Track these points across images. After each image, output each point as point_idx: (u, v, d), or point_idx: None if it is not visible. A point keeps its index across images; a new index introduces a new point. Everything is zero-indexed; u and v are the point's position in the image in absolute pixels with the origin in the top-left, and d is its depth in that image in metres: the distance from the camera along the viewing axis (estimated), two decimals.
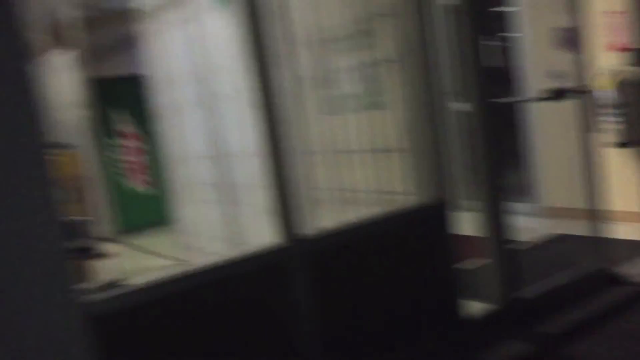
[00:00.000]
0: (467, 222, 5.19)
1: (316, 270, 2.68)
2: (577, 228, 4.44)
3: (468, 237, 3.80)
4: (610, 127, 4.79)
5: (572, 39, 3.82)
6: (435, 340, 3.05)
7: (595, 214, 3.79)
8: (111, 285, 2.19)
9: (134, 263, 5.45)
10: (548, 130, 5.34)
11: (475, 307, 3.29)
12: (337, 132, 3.61)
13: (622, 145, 4.77)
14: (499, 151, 3.31)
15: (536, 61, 5.36)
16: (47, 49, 5.82)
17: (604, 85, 4.79)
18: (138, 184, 7.56)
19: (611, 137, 4.80)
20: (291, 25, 3.52)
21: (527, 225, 5.44)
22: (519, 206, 5.62)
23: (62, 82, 6.84)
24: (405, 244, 3.03)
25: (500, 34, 5.87)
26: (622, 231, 4.27)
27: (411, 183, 3.24)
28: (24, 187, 1.87)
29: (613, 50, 4.82)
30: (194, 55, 4.39)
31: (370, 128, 3.45)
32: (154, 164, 7.46)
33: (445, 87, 6.11)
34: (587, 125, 3.75)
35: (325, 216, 3.71)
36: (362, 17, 3.30)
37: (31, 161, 1.90)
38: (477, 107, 3.22)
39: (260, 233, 4.07)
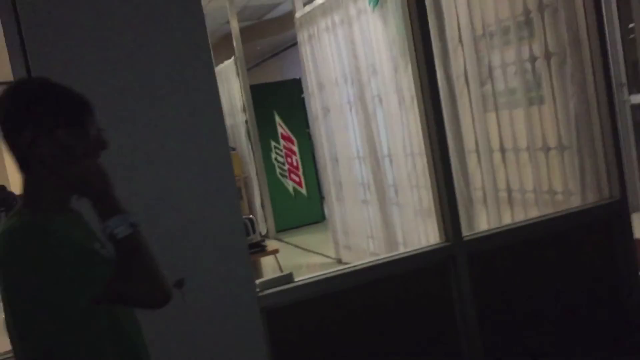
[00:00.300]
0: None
1: (478, 272, 2.60)
2: None
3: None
4: None
5: None
6: (610, 353, 2.83)
7: None
8: (280, 280, 2.29)
9: (293, 260, 5.66)
10: None
11: None
12: (498, 129, 3.48)
13: None
14: None
15: None
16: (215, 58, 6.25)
17: None
18: (294, 184, 7.85)
19: None
20: (447, 22, 3.46)
21: None
22: None
23: (227, 88, 7.31)
24: (575, 247, 2.84)
25: None
26: None
27: (578, 182, 3.03)
28: (216, 187, 2.03)
29: None
30: (348, 58, 4.47)
31: (532, 125, 3.28)
32: (307, 166, 7.72)
33: (619, 78, 5.68)
34: None
35: (485, 217, 3.60)
36: (523, 8, 3.15)
37: (221, 163, 2.05)
38: None
39: (414, 233, 4.06)
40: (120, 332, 1.25)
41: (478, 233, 2.77)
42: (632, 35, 4.82)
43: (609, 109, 2.84)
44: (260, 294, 2.20)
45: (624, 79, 5.50)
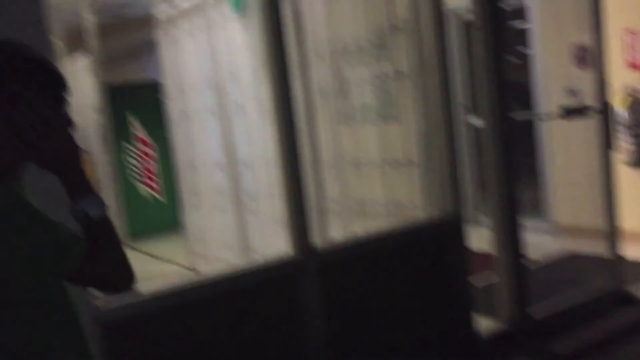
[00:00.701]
0: (479, 238, 5.16)
1: (327, 283, 2.66)
2: (590, 247, 4.40)
3: (480, 252, 3.77)
4: (624, 146, 4.75)
5: (590, 56, 3.80)
6: (446, 356, 3.02)
7: (609, 233, 3.75)
8: None
9: (142, 268, 5.44)
10: (563, 147, 5.31)
11: (485, 325, 3.25)
12: (351, 143, 3.60)
13: (635, 164, 4.74)
14: (513, 167, 3.28)
15: (554, 78, 5.34)
16: (64, 53, 5.85)
17: (619, 103, 4.76)
18: (149, 190, 7.58)
19: (625, 156, 4.76)
20: (307, 36, 3.52)
21: (540, 243, 5.40)
22: (532, 223, 5.58)
23: (79, 87, 6.88)
24: (418, 258, 3.00)
25: (519, 50, 5.85)
26: (636, 251, 4.22)
27: (424, 197, 3.22)
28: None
29: (631, 68, 4.79)
30: (210, 63, 4.40)
31: (384, 140, 3.44)
32: (165, 171, 7.48)
33: (462, 101, 6.13)
34: (604, 144, 3.72)
35: (337, 228, 3.69)
36: (377, 30, 3.29)
37: None
38: (493, 123, 3.19)
39: (271, 243, 4.07)
40: (70, 312, 1.16)
41: (329, 244, 2.83)
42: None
43: (447, 130, 3.04)
44: (97, 305, 2.07)
45: (466, 102, 5.97)
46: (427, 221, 3.11)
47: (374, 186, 3.53)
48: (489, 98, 3.19)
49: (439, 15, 2.98)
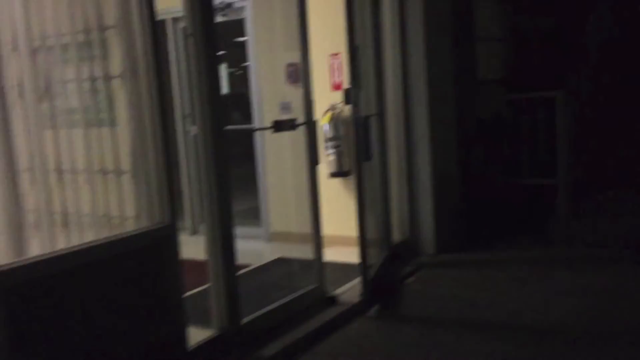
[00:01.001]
0: (196, 247, 5.14)
1: (16, 307, 2.35)
2: (299, 251, 4.73)
3: (198, 262, 3.75)
4: (327, 158, 5.23)
5: (299, 74, 4.08)
6: None
7: (314, 238, 4.06)
8: None
9: None
10: (277, 158, 5.63)
11: (197, 334, 3.23)
12: (57, 149, 3.28)
13: (336, 175, 5.25)
14: (228, 176, 3.33)
15: (270, 92, 5.63)
16: None
17: (325, 119, 5.23)
18: None
19: (328, 167, 5.24)
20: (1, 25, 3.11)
21: (255, 249, 5.63)
22: (250, 230, 5.79)
23: None
24: (128, 271, 2.85)
25: (243, 63, 6.05)
26: (338, 254, 4.66)
27: (136, 207, 3.08)
28: None
29: (334, 88, 5.30)
30: None
31: (93, 147, 3.20)
32: None
33: (182, 109, 6.08)
34: (310, 156, 4.02)
35: (38, 243, 3.33)
36: (85, 27, 3.06)
37: None
38: (210, 132, 3.21)
39: None
40: None
41: (20, 261, 2.51)
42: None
43: (162, 138, 2.96)
44: None
45: (187, 111, 5.96)
46: (138, 232, 2.97)
47: (81, 196, 3.27)
48: (203, 108, 3.20)
49: (151, 17, 2.88)
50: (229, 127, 3.89)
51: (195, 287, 3.96)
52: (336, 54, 5.22)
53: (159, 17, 3.15)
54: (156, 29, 2.93)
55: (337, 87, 5.28)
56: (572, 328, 3.65)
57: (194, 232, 6.07)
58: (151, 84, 2.94)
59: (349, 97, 4.22)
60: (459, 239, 5.36)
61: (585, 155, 4.81)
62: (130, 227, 3.08)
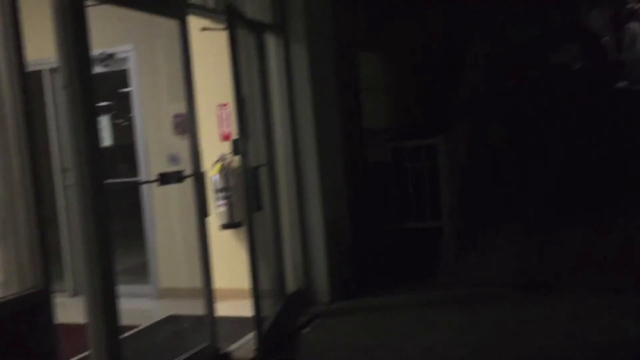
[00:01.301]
0: (77, 309, 4.80)
1: None
2: (190, 307, 4.55)
3: (79, 325, 3.50)
4: (218, 209, 5.14)
5: (187, 125, 4.00)
6: None
7: (205, 293, 3.92)
8: None
9: None
10: (165, 211, 5.44)
11: None
12: None
13: (227, 226, 5.17)
14: (109, 232, 3.16)
15: (157, 143, 5.49)
16: None
17: (214, 170, 5.16)
18: None
19: (219, 219, 5.14)
20: None
21: (144, 308, 5.36)
22: (135, 288, 5.52)
23: None
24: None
25: (129, 114, 5.86)
26: (232, 308, 4.53)
27: (5, 271, 2.82)
28: None
29: (223, 138, 5.26)
30: None
31: None
32: None
33: (61, 163, 5.77)
34: (199, 208, 3.91)
35: None
36: None
37: None
38: (89, 186, 3.03)
39: None
40: None
41: None
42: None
43: (33, 194, 2.76)
44: None
45: (67, 165, 5.67)
46: (5, 300, 2.71)
47: None
48: (80, 160, 3.04)
49: (20, 67, 2.72)
50: (113, 180, 3.73)
51: (77, 354, 3.68)
52: (224, 104, 5.20)
53: (35, 68, 2.99)
54: (26, 79, 2.77)
55: (226, 137, 5.25)
56: None
57: (76, 293, 5.68)
58: (21, 137, 2.74)
59: (238, 147, 4.19)
60: (353, 286, 5.40)
61: (467, 198, 5.06)
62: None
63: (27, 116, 2.75)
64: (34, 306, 2.74)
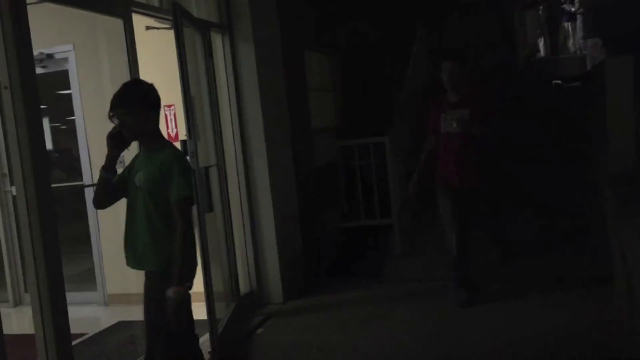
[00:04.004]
0: (19, 319, 4.65)
1: None
2: (141, 313, 4.45)
3: (22, 336, 3.37)
4: None
5: None
6: None
7: None
8: None
9: None
10: (113, 215, 5.29)
11: None
12: None
13: None
14: (56, 238, 3.05)
15: (101, 146, 5.32)
16: None
17: None
18: None
19: None
20: None
21: (91, 315, 5.21)
22: (81, 295, 5.35)
23: None
24: None
25: (68, 117, 5.68)
26: None
27: None
28: None
29: (170, 139, 5.16)
30: None
31: None
32: None
33: (1, 168, 5.54)
34: None
35: None
36: None
37: None
38: (34, 192, 2.92)
39: None
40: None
41: None
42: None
43: None
44: None
45: (6, 170, 5.45)
46: None
47: None
48: (24, 165, 2.92)
49: None
50: (53, 185, 3.59)
51: None
52: (170, 105, 5.11)
53: None
54: None
55: (173, 138, 5.16)
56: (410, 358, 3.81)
57: (16, 303, 5.47)
58: None
59: (186, 148, 4.13)
60: (305, 285, 5.41)
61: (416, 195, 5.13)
62: None
63: None
64: None
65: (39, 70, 5.06)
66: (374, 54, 7.61)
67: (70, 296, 3.12)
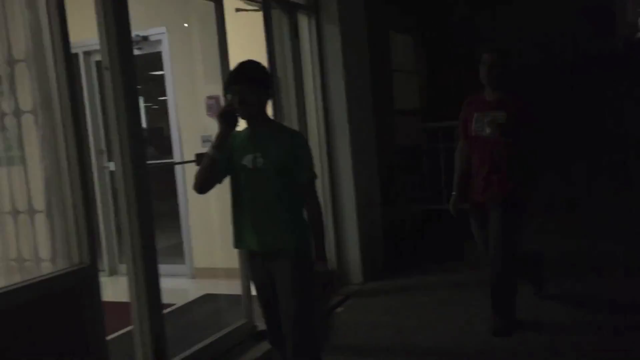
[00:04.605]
0: (114, 288, 4.92)
1: None
2: (226, 287, 4.63)
3: (118, 303, 3.57)
4: None
5: (218, 107, 4.04)
6: None
7: (242, 273, 3.97)
8: None
9: None
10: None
11: None
12: None
13: None
14: (151, 212, 3.21)
15: (190, 125, 5.53)
16: None
17: None
18: None
19: None
20: None
21: (179, 287, 5.45)
22: (173, 267, 5.61)
23: None
24: (48, 315, 2.65)
25: (160, 97, 5.92)
26: None
27: (53, 248, 2.90)
28: None
29: None
30: None
31: (3, 186, 3.01)
32: None
33: (96, 145, 5.86)
34: None
35: None
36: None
37: None
38: (130, 168, 3.09)
39: None
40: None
41: None
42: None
43: (80, 174, 2.82)
44: None
45: (103, 146, 5.76)
46: (55, 275, 2.79)
47: None
48: (122, 142, 3.09)
49: (65, 50, 2.77)
50: (148, 162, 3.77)
51: (115, 331, 3.77)
52: None
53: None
54: (71, 61, 2.82)
55: None
56: (498, 349, 3.74)
57: (112, 273, 5.81)
58: (66, 119, 2.80)
59: None
60: (386, 266, 5.42)
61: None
62: (46, 270, 2.89)
63: (71, 97, 2.80)
64: (82, 282, 2.82)
65: (135, 52, 5.30)
66: (460, 34, 7.41)
67: (160, 268, 3.29)
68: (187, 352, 3.49)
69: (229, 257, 4.10)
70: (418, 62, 7.30)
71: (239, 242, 2.83)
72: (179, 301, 4.85)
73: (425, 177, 6.47)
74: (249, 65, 2.76)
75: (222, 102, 4.00)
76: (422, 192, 6.51)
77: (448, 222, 6.03)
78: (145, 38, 5.54)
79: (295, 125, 4.75)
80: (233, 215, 2.80)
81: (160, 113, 6.16)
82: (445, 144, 6.08)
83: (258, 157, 2.69)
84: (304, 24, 4.98)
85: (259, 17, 4.25)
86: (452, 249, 5.66)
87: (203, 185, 2.76)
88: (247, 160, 2.71)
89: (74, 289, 2.80)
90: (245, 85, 2.65)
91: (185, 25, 5.45)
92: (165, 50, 5.60)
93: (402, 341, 3.97)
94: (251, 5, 4.46)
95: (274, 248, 2.74)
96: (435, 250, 5.79)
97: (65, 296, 2.77)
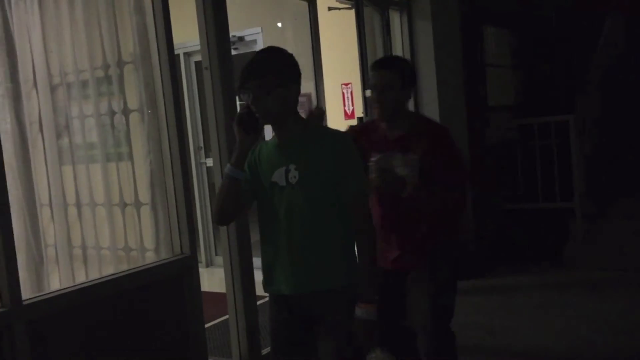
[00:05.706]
0: (210, 279, 5.12)
1: (40, 340, 2.34)
2: None
3: (215, 293, 3.73)
4: None
5: (311, 105, 4.12)
6: None
7: None
8: None
9: None
10: None
11: None
12: (79, 184, 3.31)
13: None
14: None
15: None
16: None
17: None
18: None
19: None
20: (21, 62, 3.17)
21: None
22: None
23: None
24: (149, 303, 2.84)
25: None
26: None
27: (156, 238, 3.08)
28: None
29: (347, 117, 5.33)
30: None
31: (111, 180, 3.23)
32: None
33: (195, 142, 6.12)
34: None
35: (57, 276, 3.33)
36: (103, 63, 3.12)
37: None
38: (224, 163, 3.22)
39: None
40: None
41: (42, 295, 2.51)
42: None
43: (182, 169, 2.98)
44: None
45: (201, 143, 6.01)
46: (159, 264, 2.97)
47: (100, 230, 3.28)
48: (219, 139, 3.23)
49: (169, 52, 2.93)
50: None
51: (212, 320, 3.93)
52: (347, 84, 5.26)
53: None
54: (174, 62, 2.98)
55: (349, 115, 5.31)
56: (590, 355, 3.59)
57: (208, 264, 6.06)
58: (170, 117, 2.97)
59: None
60: (476, 265, 5.31)
61: (600, 179, 4.79)
62: (149, 259, 3.08)
63: (174, 96, 2.96)
64: (182, 271, 2.98)
65: (232, 52, 5.49)
66: (557, 28, 7.11)
67: (255, 261, 3.40)
68: None
69: None
70: (512, 56, 7.07)
71: (269, 283, 2.17)
72: None
73: (519, 174, 6.27)
74: (275, 55, 2.13)
75: (314, 100, 4.08)
76: (516, 189, 6.31)
77: (543, 221, 5.84)
78: (241, 38, 5.73)
79: None
80: (262, 247, 2.19)
81: None
82: (541, 141, 5.87)
83: (292, 170, 2.06)
84: (396, 20, 4.96)
85: (350, 14, 4.28)
86: (549, 250, 5.47)
87: (223, 212, 2.16)
88: (277, 176, 2.08)
89: (175, 277, 2.96)
90: (274, 79, 2.03)
91: (279, 25, 5.57)
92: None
93: (493, 342, 3.89)
94: (344, 3, 4.51)
95: (309, 289, 2.07)
96: (531, 250, 5.60)
97: (168, 284, 2.94)
